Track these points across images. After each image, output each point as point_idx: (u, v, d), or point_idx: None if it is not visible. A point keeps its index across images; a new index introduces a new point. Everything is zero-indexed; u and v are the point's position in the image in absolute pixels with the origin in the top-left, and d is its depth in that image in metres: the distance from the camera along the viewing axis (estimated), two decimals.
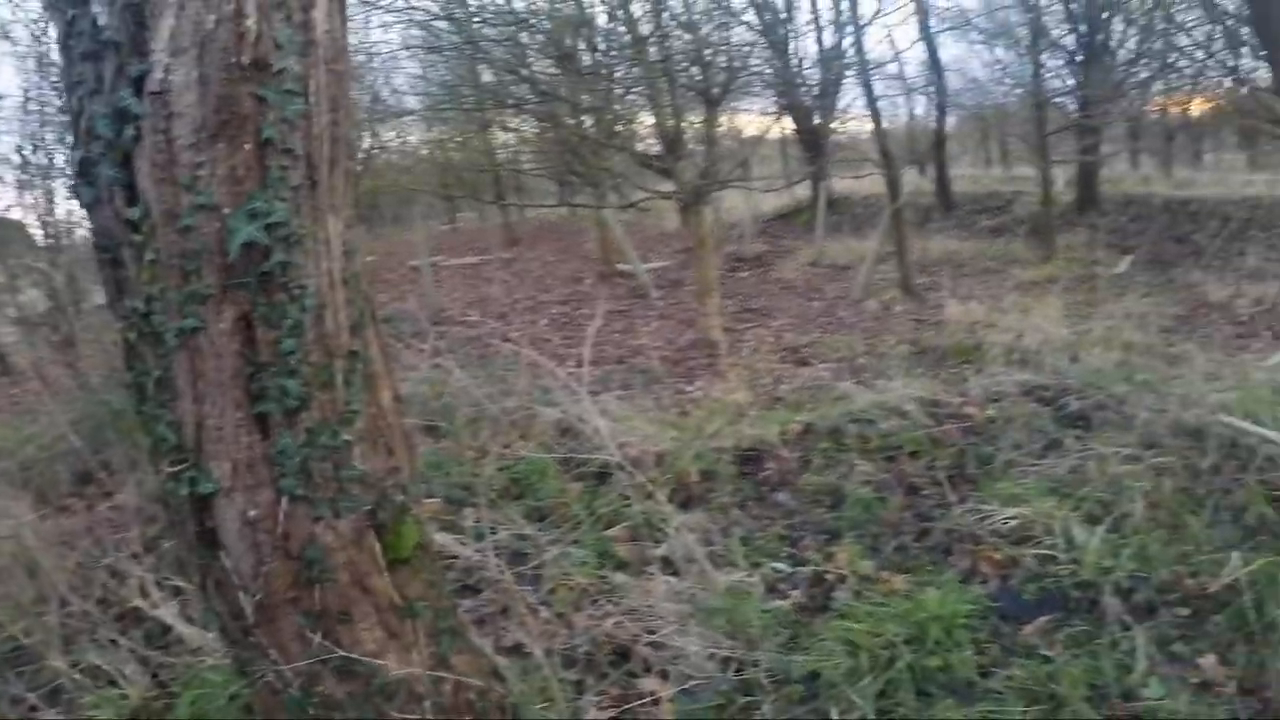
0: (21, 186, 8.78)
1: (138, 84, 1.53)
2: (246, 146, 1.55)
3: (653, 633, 2.35)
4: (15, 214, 9.35)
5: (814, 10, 14.96)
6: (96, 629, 2.49)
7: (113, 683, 2.40)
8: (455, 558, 2.49)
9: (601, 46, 6.92)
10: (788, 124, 13.73)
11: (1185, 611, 2.39)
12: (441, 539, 2.46)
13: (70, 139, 1.69)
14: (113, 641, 2.45)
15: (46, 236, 9.01)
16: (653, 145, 7.67)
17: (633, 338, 6.91)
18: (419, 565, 1.80)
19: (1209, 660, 2.19)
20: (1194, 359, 4.58)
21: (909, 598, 2.41)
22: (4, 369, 8.45)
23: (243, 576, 1.63)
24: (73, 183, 1.65)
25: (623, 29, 6.69)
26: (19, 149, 8.53)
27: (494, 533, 2.58)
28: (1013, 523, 2.80)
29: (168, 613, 2.45)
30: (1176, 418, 3.39)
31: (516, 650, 2.22)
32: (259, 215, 1.55)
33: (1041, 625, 2.37)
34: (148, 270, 1.55)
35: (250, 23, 1.55)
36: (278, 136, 1.57)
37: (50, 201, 8.81)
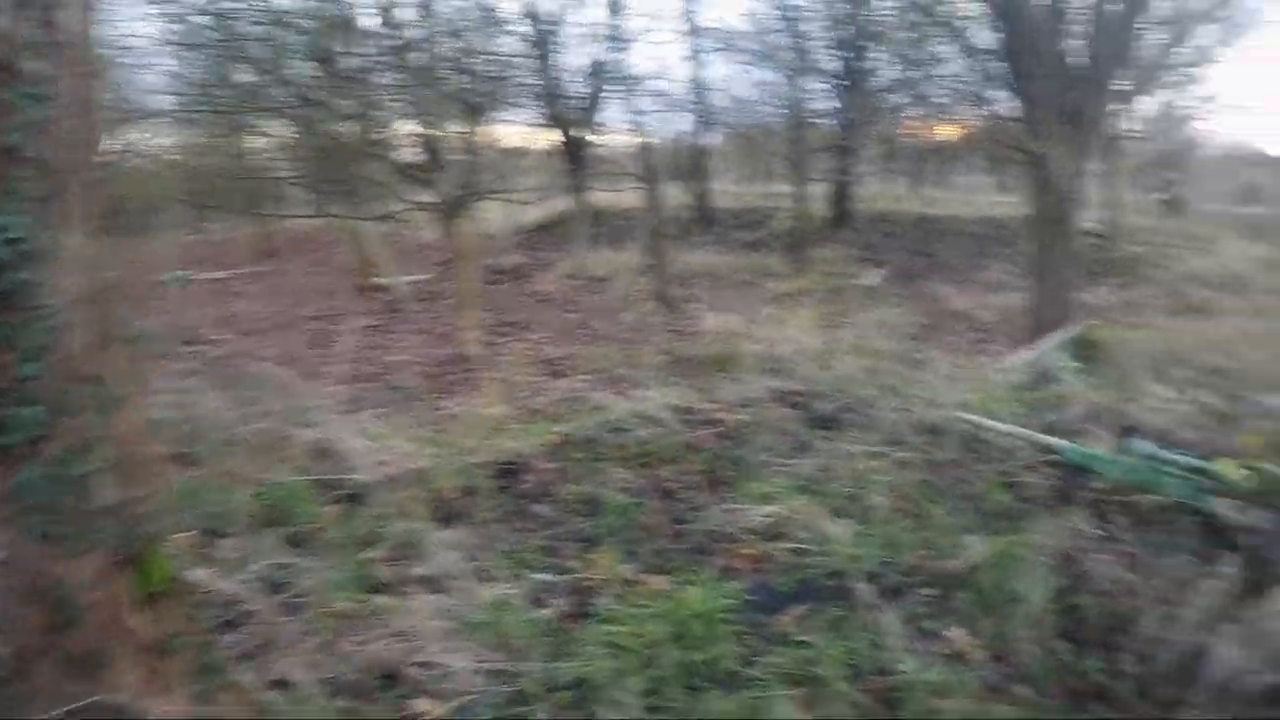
0: None
1: None
2: None
3: (420, 652, 2.36)
4: None
5: (582, 25, 15.36)
6: None
7: None
8: (211, 591, 2.35)
9: (364, 50, 6.73)
10: (551, 136, 13.99)
11: (932, 591, 2.66)
12: (197, 573, 2.32)
13: None
14: None
15: None
16: (413, 154, 7.56)
17: (390, 353, 6.73)
18: (174, 600, 1.73)
19: (957, 632, 2.44)
20: (938, 363, 5.17)
21: (670, 598, 2.58)
22: None
23: None
24: None
25: (387, 32, 6.54)
26: None
27: (252, 563, 2.47)
28: (766, 520, 3.04)
29: None
30: (920, 417, 3.80)
31: (283, 684, 2.15)
32: None
33: (797, 614, 2.56)
34: None
35: None
36: (21, 143, 1.48)
37: None
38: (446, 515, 2.99)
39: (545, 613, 2.64)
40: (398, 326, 8.10)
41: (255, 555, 2.62)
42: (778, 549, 2.87)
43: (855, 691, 2.19)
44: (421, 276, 11.85)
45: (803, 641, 2.39)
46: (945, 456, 3.46)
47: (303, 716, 2.11)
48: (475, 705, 2.25)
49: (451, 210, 6.89)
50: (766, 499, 3.15)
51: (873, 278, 11.81)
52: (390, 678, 2.34)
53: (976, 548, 2.74)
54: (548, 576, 2.84)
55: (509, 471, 3.42)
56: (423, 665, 2.35)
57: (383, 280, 11.09)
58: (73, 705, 1.59)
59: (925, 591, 2.63)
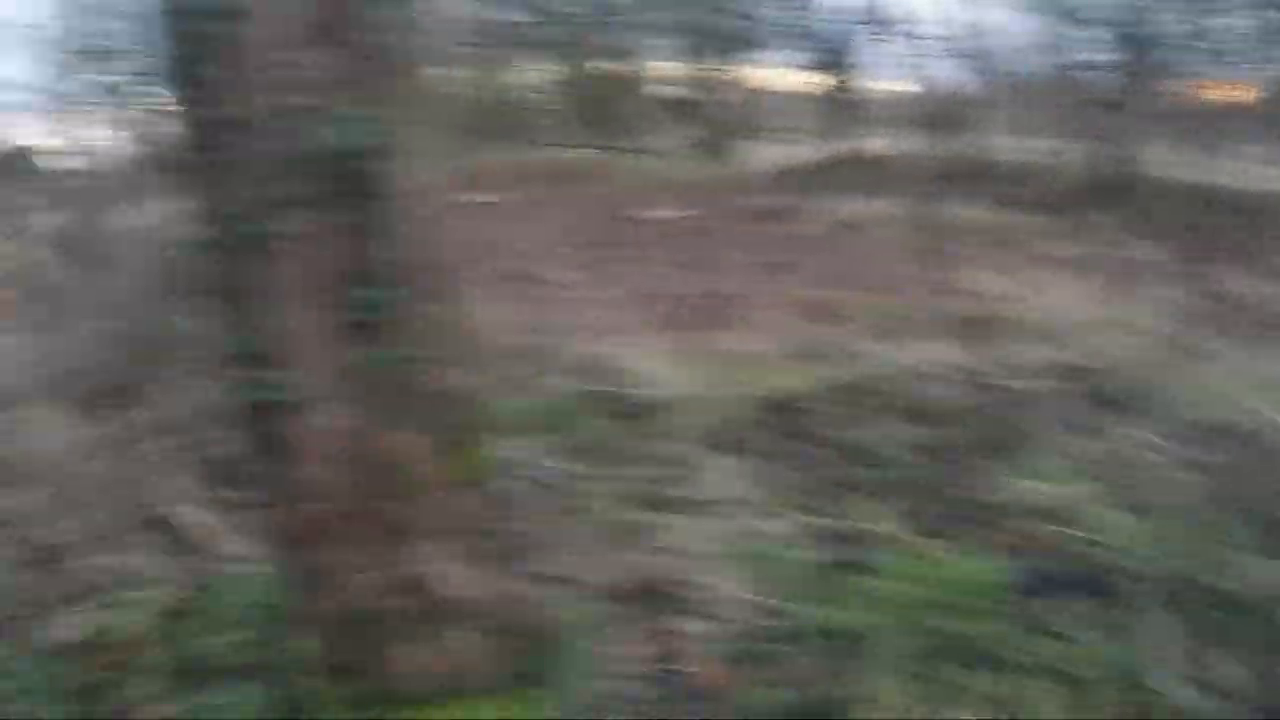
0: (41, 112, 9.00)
1: None
2: (348, 53, 1.56)
3: (688, 573, 2.43)
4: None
5: None
6: (125, 533, 2.55)
7: (141, 585, 2.47)
8: (499, 487, 2.57)
9: None
10: (815, 79, 13.60)
11: (1209, 610, 2.40)
12: None
13: (159, 33, 1.68)
14: (141, 546, 2.51)
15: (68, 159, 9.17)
16: (675, 91, 7.64)
17: (651, 283, 6.94)
18: (487, 487, 1.86)
19: (1230, 664, 2.18)
20: (1225, 354, 4.62)
21: (936, 562, 2.51)
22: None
23: (313, 488, 1.68)
24: (167, 77, 1.63)
25: None
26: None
27: (532, 466, 2.65)
28: (1039, 498, 2.87)
29: (199, 521, 2.51)
30: (1209, 412, 3.45)
31: (562, 580, 2.29)
32: (357, 122, 1.56)
33: (1062, 603, 2.41)
34: (244, 170, 1.56)
35: None
36: (378, 45, 1.58)
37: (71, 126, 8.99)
38: (717, 443, 3.04)
39: (811, 554, 2.65)
40: (659, 259, 8.32)
41: (535, 459, 2.82)
42: (1048, 530, 2.70)
43: (1117, 702, 2.04)
44: (682, 212, 12.08)
45: (1064, 634, 2.26)
46: (1238, 459, 3.08)
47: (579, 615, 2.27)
48: (737, 633, 2.30)
49: (713, 148, 6.90)
50: (1041, 476, 2.98)
51: (1149, 250, 10.71)
52: (659, 593, 2.44)
53: (1267, 572, 2.42)
54: (813, 520, 2.84)
55: (777, 409, 3.41)
56: (691, 586, 2.43)
57: (645, 214, 11.43)
58: (379, 572, 1.78)
59: (1202, 609, 2.37)
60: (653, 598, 2.39)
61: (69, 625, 2.53)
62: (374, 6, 1.58)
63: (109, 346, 3.23)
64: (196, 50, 1.57)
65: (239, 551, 2.48)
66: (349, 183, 1.57)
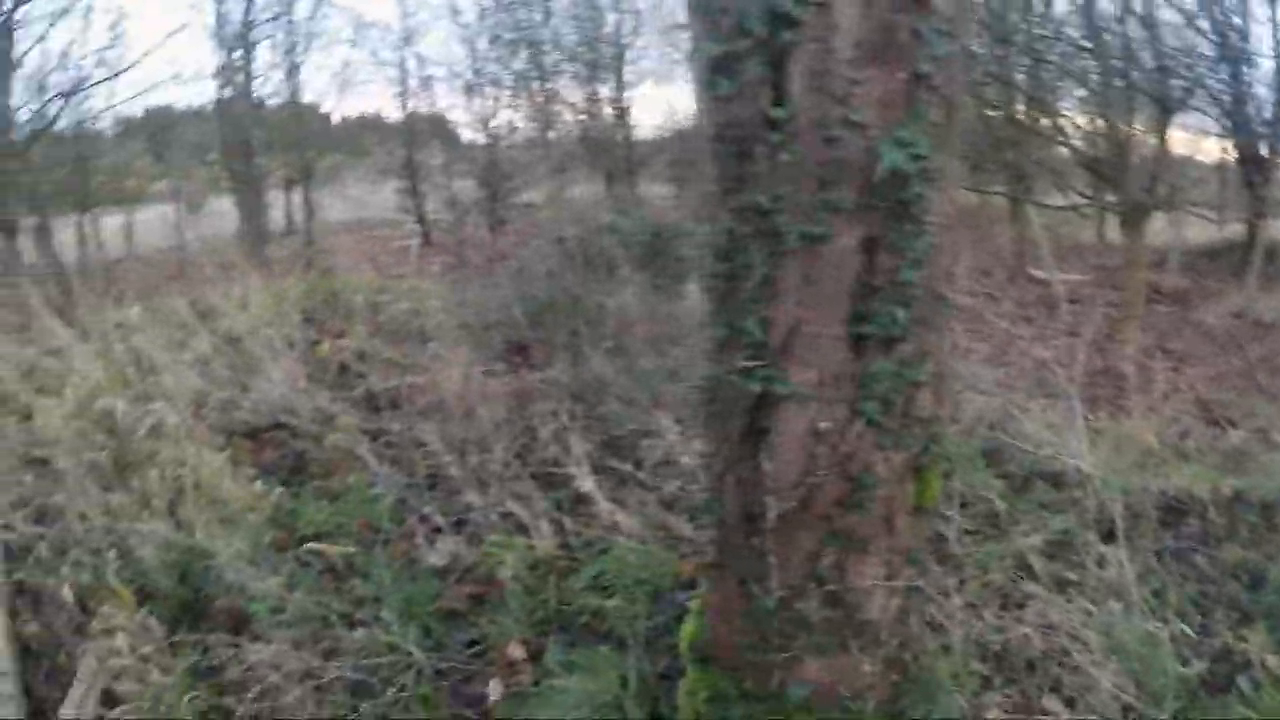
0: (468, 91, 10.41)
1: None
2: (899, 75, 1.64)
3: (1062, 652, 2.34)
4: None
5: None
6: (514, 480, 2.83)
7: (522, 530, 2.72)
8: None
9: (1050, 32, 6.68)
10: (1227, 147, 12.46)
11: None
12: None
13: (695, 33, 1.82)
14: (528, 496, 2.77)
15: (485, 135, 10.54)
16: (1090, 147, 7.35)
17: (1037, 347, 6.79)
18: (927, 517, 1.88)
19: None
20: None
21: None
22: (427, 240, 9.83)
23: (780, 482, 1.77)
24: (707, 73, 1.77)
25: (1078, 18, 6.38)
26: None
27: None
28: None
29: (587, 483, 2.73)
30: None
31: (936, 627, 2.28)
32: (905, 144, 1.63)
33: None
34: (782, 171, 1.67)
35: None
36: (928, 72, 1.64)
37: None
38: (1108, 528, 2.89)
39: (1184, 665, 2.48)
40: (1048, 322, 8.11)
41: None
42: None
43: None
44: (1076, 278, 11.64)
45: None
46: None
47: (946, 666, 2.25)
48: None
49: (1131, 214, 6.53)
50: None
51: None
52: (1028, 665, 2.37)
53: None
54: (1192, 632, 2.65)
55: (1170, 508, 3.19)
56: (1065, 667, 2.33)
57: (1039, 272, 11.12)
58: (811, 578, 1.85)
59: None
60: (1027, 669, 2.32)
61: (442, 553, 2.85)
62: (926, 35, 1.65)
63: (520, 309, 3.61)
64: (748, 49, 1.71)
65: (620, 522, 2.68)
66: (887, 200, 1.64)
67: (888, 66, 1.64)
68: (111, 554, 3.34)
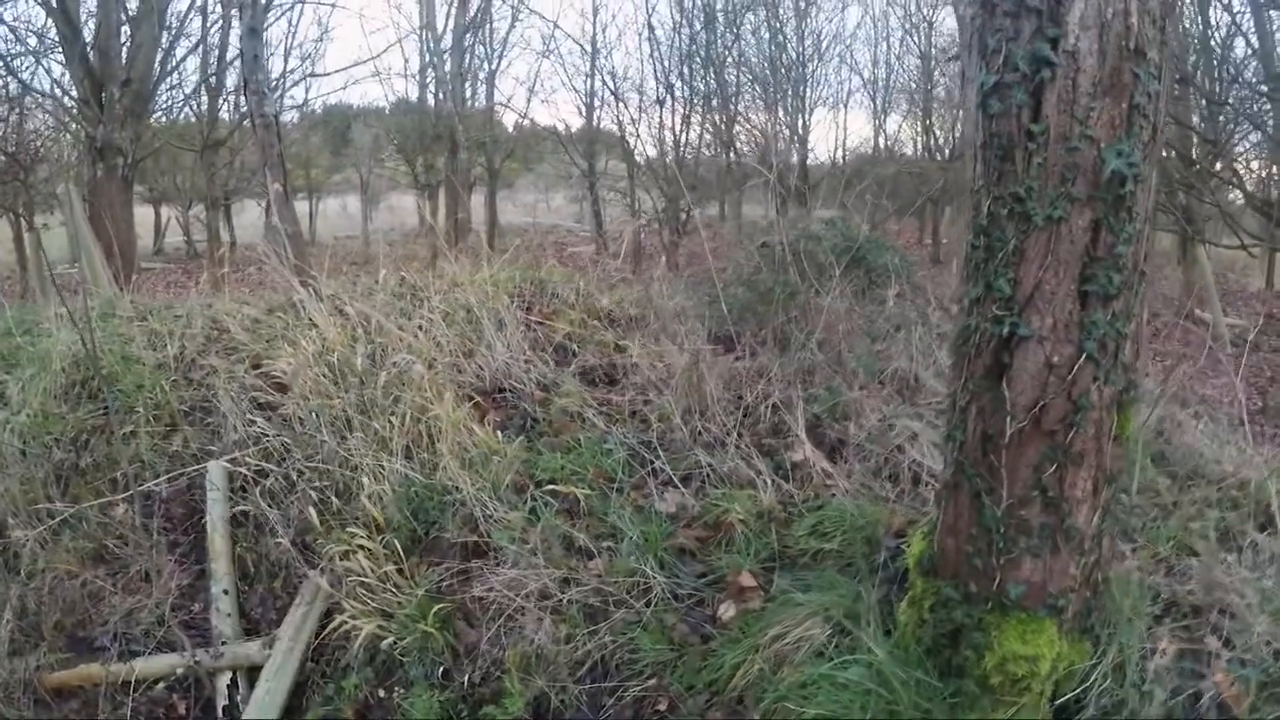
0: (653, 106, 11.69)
1: (1053, 42, 2.45)
2: (1123, 104, 2.44)
3: (1225, 606, 2.94)
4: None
5: None
6: (735, 444, 3.60)
7: (743, 487, 3.47)
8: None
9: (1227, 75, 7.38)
10: None
11: None
12: None
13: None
14: (749, 457, 3.53)
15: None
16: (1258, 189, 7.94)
17: (1205, 386, 7.32)
18: (1122, 448, 2.62)
19: None
20: None
21: None
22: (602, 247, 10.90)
23: (1015, 407, 2.52)
24: (981, 97, 2.60)
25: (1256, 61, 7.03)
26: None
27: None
28: None
29: (803, 450, 3.50)
30: None
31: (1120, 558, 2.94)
32: (1123, 155, 2.42)
33: None
34: (1035, 170, 2.49)
35: (1134, 20, 2.44)
36: (1142, 103, 2.46)
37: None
38: (1263, 522, 3.37)
39: None
40: (1211, 365, 8.61)
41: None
42: None
43: None
44: (1240, 323, 11.99)
45: None
46: None
47: None
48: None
49: None
50: None
51: None
52: (1195, 610, 2.98)
53: None
54: None
55: None
56: (1222, 613, 2.95)
57: (1205, 315, 11.58)
58: (1035, 487, 2.55)
59: None
60: (1193, 613, 2.95)
61: (670, 502, 3.59)
62: (1142, 77, 2.48)
63: (727, 304, 4.44)
64: (1015, 81, 2.55)
65: (834, 482, 3.42)
66: (1108, 195, 2.43)
67: (1115, 98, 2.45)
68: (339, 489, 4.11)
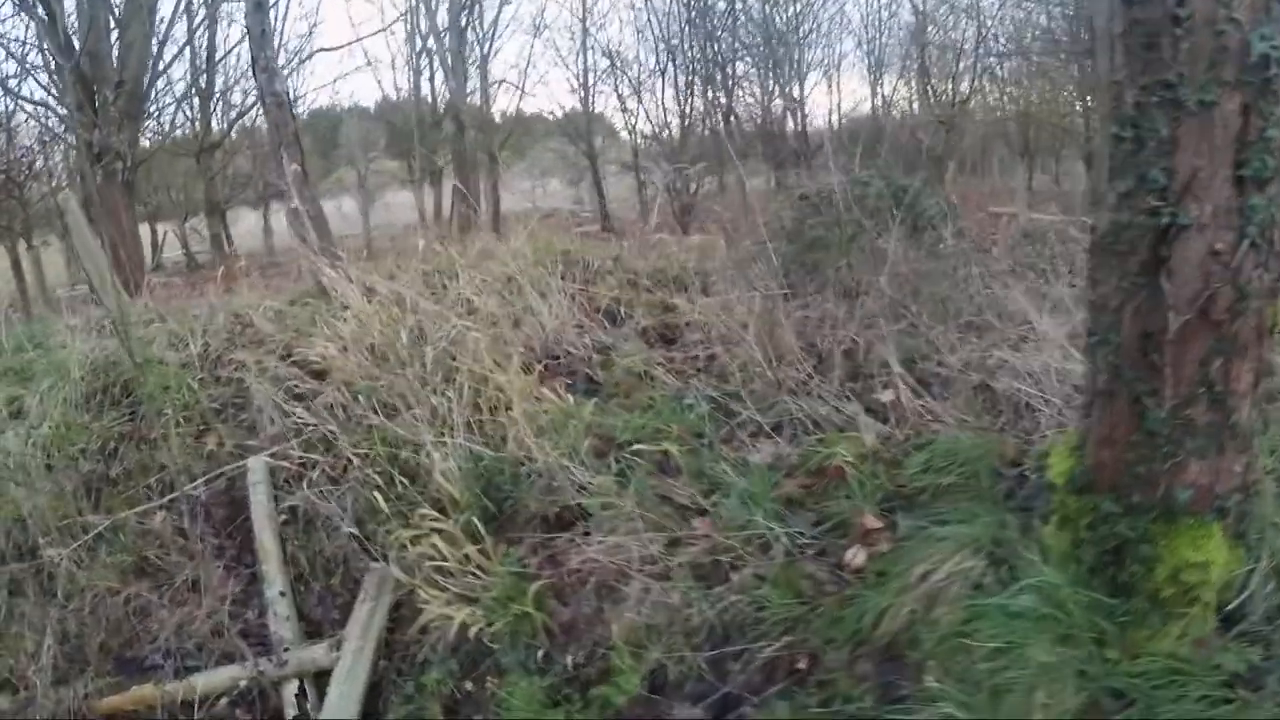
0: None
1: None
2: None
3: None
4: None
5: None
6: (819, 388, 3.44)
7: (842, 430, 3.31)
8: None
9: None
10: None
11: None
12: None
13: None
14: (836, 403, 3.38)
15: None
16: None
17: None
18: (1273, 340, 2.51)
19: None
20: None
21: None
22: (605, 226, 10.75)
23: (1178, 300, 2.40)
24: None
25: None
26: None
27: None
28: None
29: (892, 391, 3.35)
30: None
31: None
32: (1267, 38, 2.33)
33: None
34: (1183, 55, 2.38)
35: None
36: None
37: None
38: None
39: None
40: None
41: None
42: None
43: None
44: None
45: None
46: None
47: None
48: None
49: None
50: None
51: None
52: None
53: None
54: None
55: None
56: None
57: None
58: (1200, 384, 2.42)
59: None
60: None
61: (765, 452, 3.42)
62: None
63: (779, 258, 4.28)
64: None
65: (931, 420, 3.28)
66: (1255, 78, 2.31)
67: None
68: (402, 471, 3.87)
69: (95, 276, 4.45)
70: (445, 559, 3.39)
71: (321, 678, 3.71)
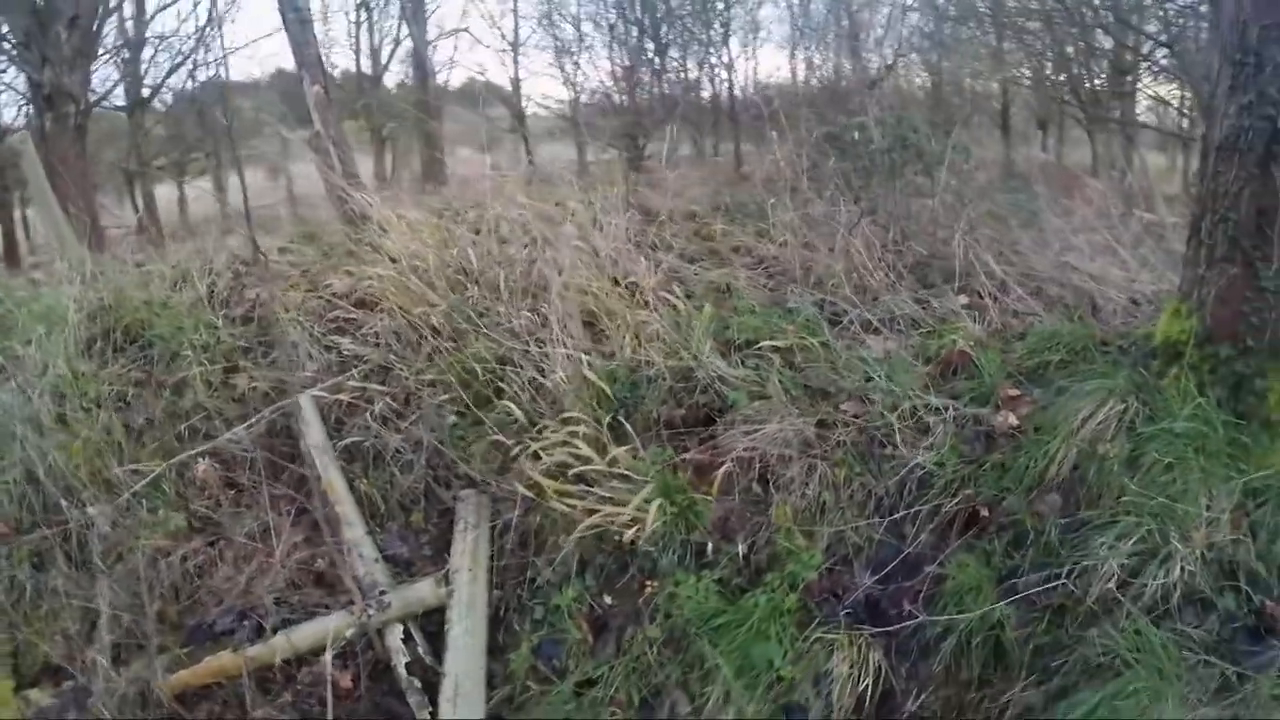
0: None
1: None
2: None
3: None
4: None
5: None
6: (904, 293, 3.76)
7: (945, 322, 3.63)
8: None
9: None
10: None
11: None
12: None
13: None
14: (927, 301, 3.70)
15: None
16: None
17: None
18: None
19: None
20: None
21: None
22: None
23: None
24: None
25: None
26: None
27: None
28: None
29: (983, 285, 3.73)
30: None
31: None
32: None
33: None
34: None
35: None
36: None
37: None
38: None
39: None
40: None
41: None
42: None
43: None
44: None
45: None
46: None
47: None
48: None
49: None
50: None
51: None
52: None
53: None
54: None
55: None
56: None
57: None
58: None
59: None
60: None
61: (877, 348, 3.66)
62: None
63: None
64: None
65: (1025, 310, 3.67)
66: None
67: None
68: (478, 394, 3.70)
69: (52, 232, 3.88)
70: (588, 463, 3.31)
71: (426, 618, 3.49)
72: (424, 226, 4.27)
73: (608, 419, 3.51)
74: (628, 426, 3.43)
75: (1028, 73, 10.68)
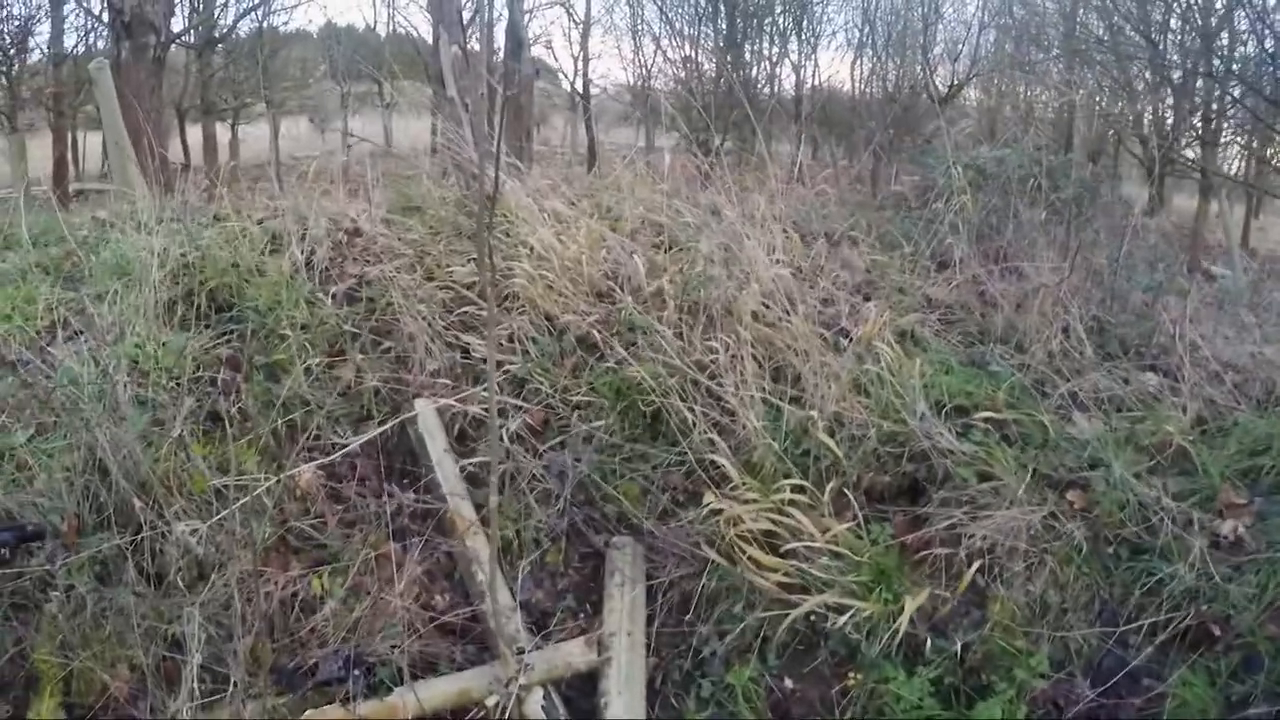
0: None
1: None
2: None
3: None
4: None
5: None
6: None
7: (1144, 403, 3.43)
8: None
9: None
10: None
11: None
12: None
13: None
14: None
15: None
16: None
17: None
18: None
19: None
20: None
21: None
22: None
23: None
24: None
25: None
26: None
27: None
28: None
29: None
30: None
31: None
32: None
33: None
34: None
35: None
36: None
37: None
38: None
39: None
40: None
41: None
42: None
43: None
44: None
45: None
46: None
47: None
48: None
49: None
50: None
51: None
52: None
53: None
54: None
55: None
56: None
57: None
58: None
59: None
60: None
61: (1079, 425, 3.41)
62: None
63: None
64: None
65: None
66: None
67: None
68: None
69: (119, 174, 3.18)
70: (798, 535, 2.90)
71: (568, 683, 3.00)
72: (570, 219, 3.69)
73: (831, 486, 3.08)
74: (850, 497, 3.02)
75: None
